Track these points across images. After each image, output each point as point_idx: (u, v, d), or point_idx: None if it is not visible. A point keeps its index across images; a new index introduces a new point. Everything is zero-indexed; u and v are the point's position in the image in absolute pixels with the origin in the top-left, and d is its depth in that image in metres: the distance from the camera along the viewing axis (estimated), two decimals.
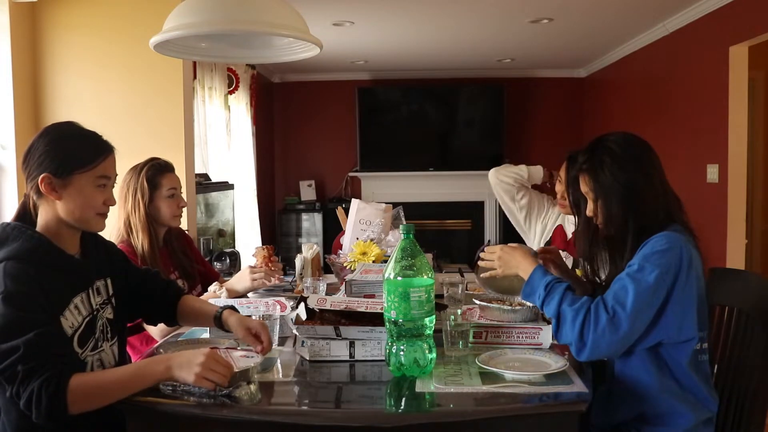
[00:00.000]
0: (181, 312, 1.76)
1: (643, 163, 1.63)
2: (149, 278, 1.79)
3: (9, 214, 3.00)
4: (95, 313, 1.55)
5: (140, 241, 2.22)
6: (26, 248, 1.43)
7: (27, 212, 1.53)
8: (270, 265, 2.36)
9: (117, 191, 2.24)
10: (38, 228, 1.51)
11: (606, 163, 1.62)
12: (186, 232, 2.63)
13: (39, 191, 1.48)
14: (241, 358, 1.54)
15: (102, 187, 1.52)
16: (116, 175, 1.59)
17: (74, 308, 1.48)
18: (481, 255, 1.81)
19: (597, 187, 1.64)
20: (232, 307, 1.70)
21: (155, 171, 2.30)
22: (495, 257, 1.76)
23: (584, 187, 1.69)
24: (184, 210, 2.40)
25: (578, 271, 2.37)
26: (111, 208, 1.59)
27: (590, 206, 1.69)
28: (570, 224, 2.64)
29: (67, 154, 1.49)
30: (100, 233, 1.69)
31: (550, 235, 2.68)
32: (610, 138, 1.67)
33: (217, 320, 1.67)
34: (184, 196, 2.44)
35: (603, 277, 1.76)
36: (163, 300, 1.77)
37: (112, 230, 2.25)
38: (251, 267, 2.31)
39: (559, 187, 2.66)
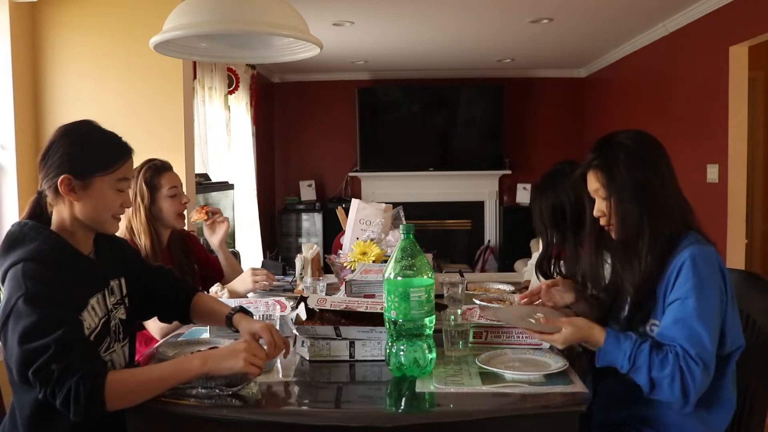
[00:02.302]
0: (194, 310, 1.74)
1: (657, 162, 1.57)
2: (163, 276, 1.78)
3: (9, 213, 3.00)
4: (110, 313, 1.55)
5: (143, 243, 2.23)
6: (44, 249, 1.42)
7: (41, 210, 1.52)
8: (210, 215, 2.49)
9: None
10: (53, 227, 1.50)
11: (620, 159, 1.55)
12: (192, 233, 2.63)
13: (56, 191, 1.47)
14: None
15: (120, 191, 1.52)
16: (133, 176, 1.59)
17: (91, 309, 1.48)
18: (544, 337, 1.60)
19: (610, 184, 1.57)
20: (245, 310, 1.67)
21: (153, 172, 2.29)
22: (560, 341, 1.54)
23: (594, 185, 1.62)
24: (186, 209, 2.39)
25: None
26: None
27: (598, 206, 1.62)
28: None
29: (89, 156, 1.49)
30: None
31: None
32: (622, 135, 1.61)
33: (228, 321, 1.65)
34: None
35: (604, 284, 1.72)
36: (177, 298, 1.75)
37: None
38: (253, 269, 2.31)
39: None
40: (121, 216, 1.57)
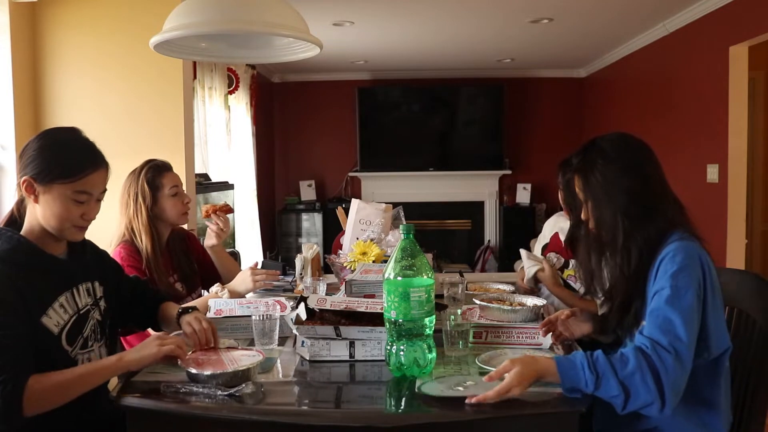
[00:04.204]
0: (160, 317, 1.82)
1: (637, 165, 1.58)
2: (138, 287, 1.85)
3: None
4: (82, 312, 1.56)
5: (144, 244, 2.22)
6: (5, 249, 1.45)
7: (19, 211, 1.55)
8: (218, 214, 2.48)
9: (117, 197, 2.24)
10: (24, 228, 1.52)
11: (597, 164, 1.57)
12: (192, 231, 2.63)
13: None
14: (242, 358, 1.54)
15: (79, 202, 1.51)
16: (104, 190, 1.58)
17: (59, 307, 1.50)
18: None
19: (587, 189, 1.59)
20: (187, 310, 1.73)
21: (154, 172, 2.30)
22: (515, 383, 1.35)
23: (577, 189, 1.64)
24: (188, 208, 2.39)
25: (567, 271, 2.35)
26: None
27: (583, 209, 1.64)
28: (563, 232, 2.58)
29: (52, 162, 1.49)
30: (97, 243, 1.73)
31: (547, 240, 2.66)
32: (605, 138, 1.62)
33: (178, 321, 1.72)
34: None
35: (601, 285, 1.70)
36: (150, 308, 1.83)
37: (113, 234, 2.25)
38: (252, 269, 2.31)
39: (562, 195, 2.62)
40: (86, 226, 1.57)
